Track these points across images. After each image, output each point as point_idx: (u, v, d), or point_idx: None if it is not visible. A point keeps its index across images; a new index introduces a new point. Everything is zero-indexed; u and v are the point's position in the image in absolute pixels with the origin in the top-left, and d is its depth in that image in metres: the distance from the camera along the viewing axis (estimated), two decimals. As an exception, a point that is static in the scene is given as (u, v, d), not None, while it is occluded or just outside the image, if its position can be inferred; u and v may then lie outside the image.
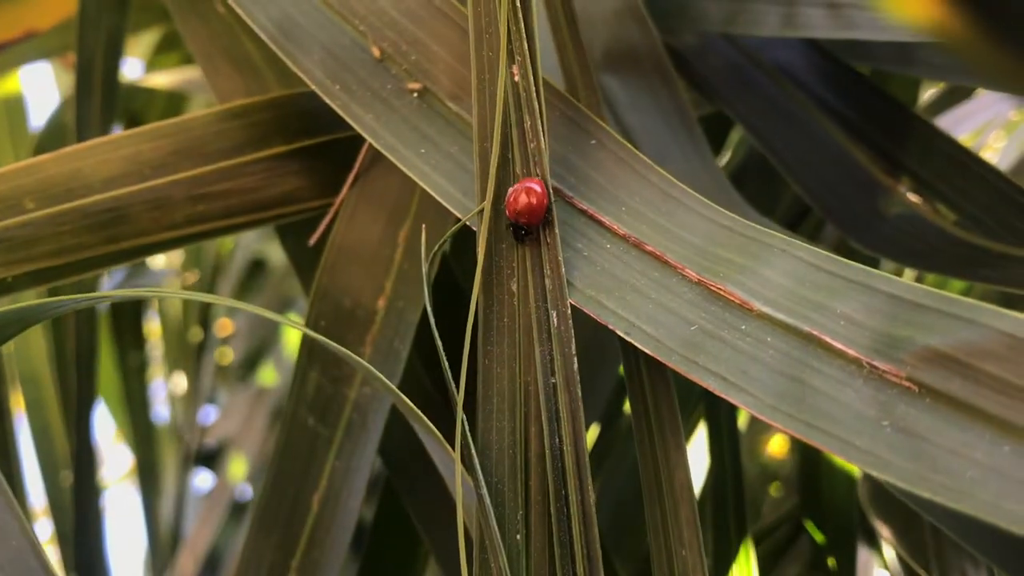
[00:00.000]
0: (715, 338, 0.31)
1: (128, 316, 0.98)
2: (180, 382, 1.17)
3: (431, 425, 0.34)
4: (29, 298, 0.62)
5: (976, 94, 0.79)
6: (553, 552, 0.33)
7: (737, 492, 0.60)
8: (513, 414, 0.34)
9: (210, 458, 1.23)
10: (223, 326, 1.25)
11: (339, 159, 0.47)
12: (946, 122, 0.76)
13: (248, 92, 0.52)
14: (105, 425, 1.14)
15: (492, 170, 0.35)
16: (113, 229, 0.44)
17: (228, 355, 1.30)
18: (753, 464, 0.92)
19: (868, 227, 0.51)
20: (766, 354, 0.30)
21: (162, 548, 1.07)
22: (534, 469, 0.34)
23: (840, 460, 0.61)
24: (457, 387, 0.33)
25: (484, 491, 0.33)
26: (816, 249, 0.32)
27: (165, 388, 1.20)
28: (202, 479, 1.28)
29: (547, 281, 0.35)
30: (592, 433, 0.69)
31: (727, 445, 0.61)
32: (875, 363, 0.28)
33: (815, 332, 0.30)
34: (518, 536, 0.33)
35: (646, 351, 0.32)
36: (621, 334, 0.33)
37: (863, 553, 0.69)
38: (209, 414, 1.29)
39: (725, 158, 0.71)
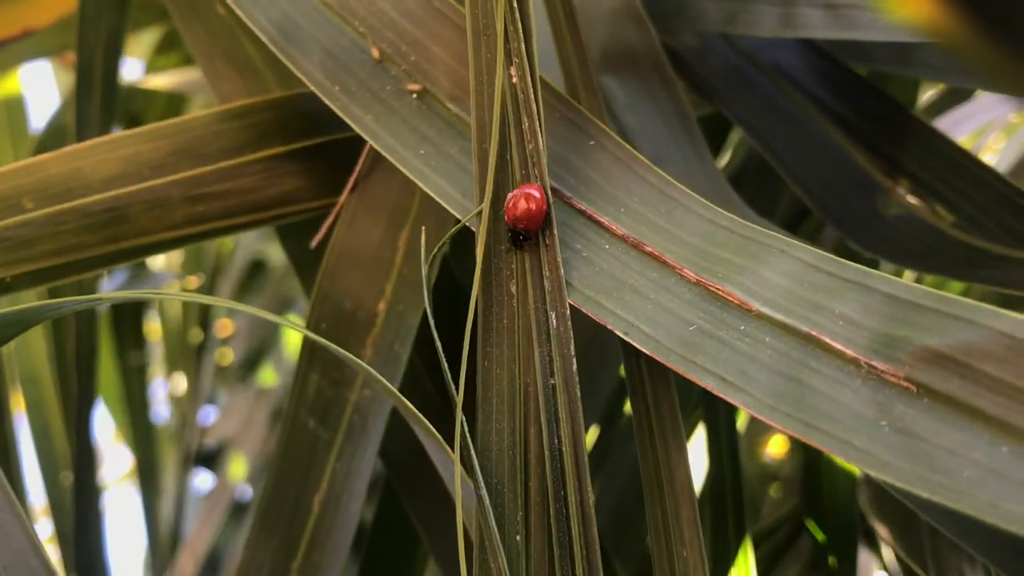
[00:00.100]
0: (714, 338, 0.31)
1: (128, 316, 0.98)
2: (180, 382, 1.17)
3: (431, 427, 0.34)
4: (29, 297, 0.62)
5: (976, 96, 0.79)
6: (552, 553, 0.33)
7: (736, 493, 0.60)
8: (513, 415, 0.34)
9: (210, 458, 1.23)
10: (223, 326, 1.25)
11: (338, 160, 0.47)
12: (945, 124, 0.76)
13: (249, 93, 0.52)
14: (105, 425, 1.14)
15: (490, 172, 0.35)
16: (112, 229, 0.44)
17: (228, 355, 1.30)
18: (752, 465, 0.92)
19: (867, 228, 0.51)
20: (764, 354, 0.30)
21: (162, 548, 1.07)
22: (534, 470, 0.34)
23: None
24: (457, 388, 0.33)
25: (484, 492, 0.33)
26: (815, 249, 0.32)
27: (165, 388, 1.20)
28: (202, 479, 1.28)
29: (546, 282, 0.35)
30: (592, 434, 0.69)
31: (726, 446, 0.61)
32: (873, 363, 0.29)
33: (813, 332, 0.30)
34: (518, 537, 0.33)
35: (644, 351, 0.32)
36: (620, 334, 0.33)
37: (863, 553, 0.69)
38: (209, 414, 1.29)
39: (724, 159, 0.71)
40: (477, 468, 0.33)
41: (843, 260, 0.31)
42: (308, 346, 0.46)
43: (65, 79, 0.97)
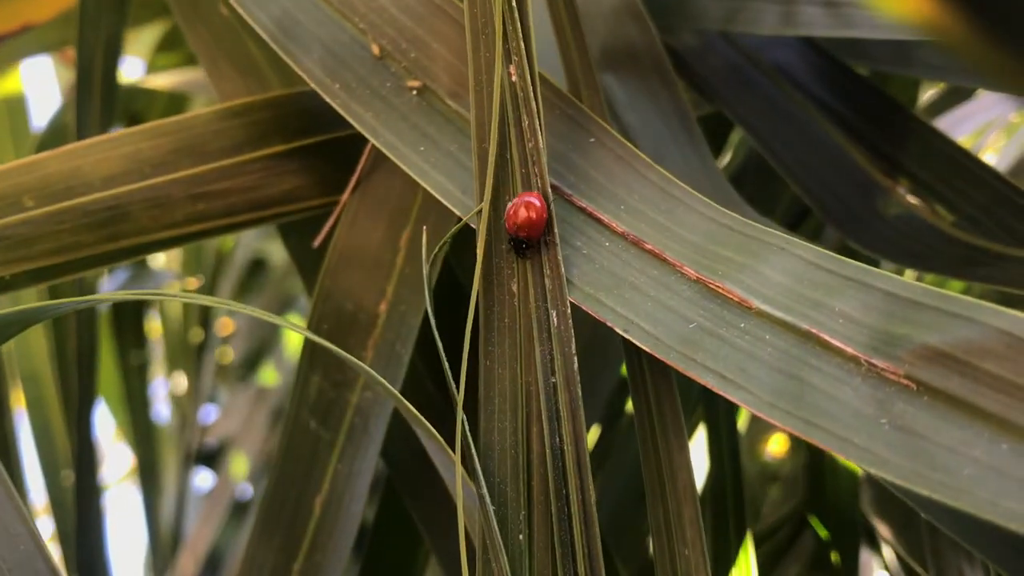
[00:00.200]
0: (714, 336, 0.31)
1: (129, 315, 0.98)
2: (181, 381, 1.17)
3: (432, 429, 0.34)
4: (29, 295, 0.62)
5: (976, 95, 0.79)
6: (555, 552, 0.33)
7: (737, 492, 0.60)
8: (515, 414, 0.34)
9: (211, 457, 1.23)
10: (224, 325, 1.25)
11: (339, 158, 0.47)
12: (946, 123, 0.76)
13: (251, 93, 0.52)
14: (106, 424, 1.14)
15: (490, 170, 0.35)
16: (113, 227, 0.44)
17: (229, 354, 1.30)
18: (753, 464, 0.92)
19: (867, 228, 0.51)
20: (764, 352, 0.30)
21: (163, 547, 1.07)
22: (536, 469, 0.34)
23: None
24: (458, 388, 0.33)
25: (485, 492, 0.33)
26: (814, 247, 0.32)
27: (166, 387, 1.20)
28: (203, 478, 1.28)
29: (547, 281, 0.35)
30: (593, 433, 0.69)
31: (727, 445, 0.61)
32: (873, 361, 0.29)
33: (813, 330, 0.30)
34: (521, 536, 0.33)
35: (644, 348, 0.32)
36: (620, 332, 0.33)
37: (864, 553, 0.69)
38: (210, 413, 1.29)
39: (725, 159, 0.71)
40: (478, 468, 0.33)
41: (843, 258, 0.31)
42: (309, 347, 0.46)
43: (66, 76, 0.97)
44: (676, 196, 0.36)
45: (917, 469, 0.26)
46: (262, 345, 1.30)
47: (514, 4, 0.36)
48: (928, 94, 0.79)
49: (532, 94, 0.36)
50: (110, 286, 1.03)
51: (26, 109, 0.89)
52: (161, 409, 1.20)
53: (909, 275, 0.61)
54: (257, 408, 1.20)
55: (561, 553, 0.33)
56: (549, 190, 0.35)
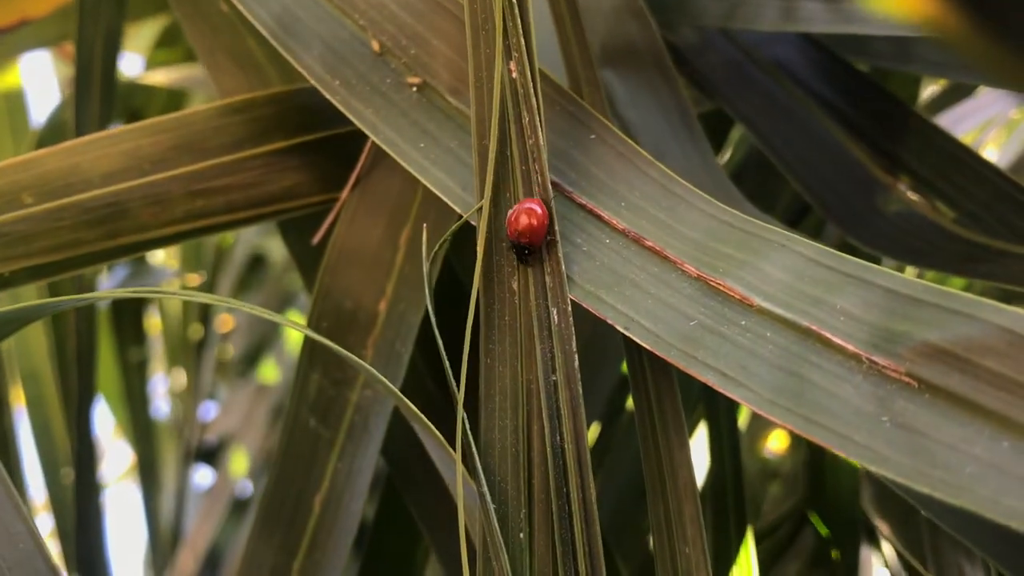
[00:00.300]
0: (714, 333, 0.31)
1: (128, 312, 0.98)
2: (180, 378, 1.17)
3: (432, 427, 0.34)
4: (28, 292, 0.62)
5: (977, 92, 0.79)
6: (556, 550, 0.33)
7: (737, 490, 0.60)
8: (515, 412, 0.34)
9: (210, 454, 1.23)
10: (224, 321, 1.25)
11: (340, 154, 0.47)
12: (947, 120, 0.76)
13: (251, 89, 0.52)
14: (105, 421, 1.14)
15: (490, 167, 0.35)
16: (112, 224, 0.44)
17: (228, 350, 1.30)
18: (753, 461, 0.92)
19: (867, 224, 0.51)
20: (765, 349, 0.30)
21: (162, 544, 1.07)
22: (537, 467, 0.34)
23: (840, 456, 0.61)
24: (458, 386, 0.33)
25: (485, 490, 0.33)
26: (815, 244, 0.32)
27: (165, 384, 1.20)
28: (202, 475, 1.28)
29: (548, 278, 0.35)
30: (592, 431, 0.69)
31: (727, 443, 0.61)
32: (874, 358, 0.28)
33: (814, 327, 0.30)
34: (521, 534, 0.33)
35: (645, 346, 0.32)
36: (620, 329, 0.33)
37: (864, 550, 0.69)
38: (209, 410, 1.29)
39: (726, 156, 0.71)
40: (479, 466, 0.33)
41: (843, 255, 0.31)
42: (309, 345, 0.46)
43: (64, 71, 0.97)
44: (677, 193, 0.36)
45: (918, 467, 0.26)
46: (262, 341, 1.30)
47: (514, 0, 0.36)
48: (929, 91, 0.79)
49: (532, 90, 0.35)
50: (109, 283, 1.03)
51: (25, 104, 0.88)
52: (161, 406, 1.20)
53: (910, 272, 0.61)
54: (257, 405, 1.20)
55: (562, 551, 0.33)
56: (550, 191, 0.35)
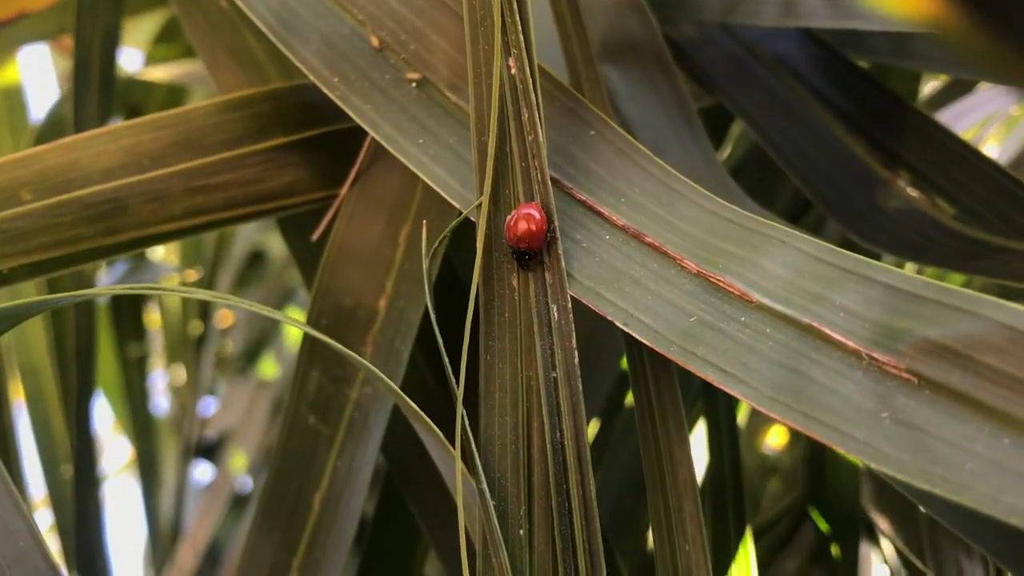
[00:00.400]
0: (714, 329, 0.31)
1: (128, 308, 0.98)
2: (180, 373, 1.17)
3: (432, 424, 0.34)
4: (27, 289, 0.62)
5: (977, 89, 0.79)
6: (555, 547, 0.33)
7: (736, 486, 0.60)
8: (515, 409, 0.34)
9: (210, 450, 1.23)
10: (223, 317, 1.25)
11: (339, 150, 0.47)
12: (947, 116, 0.76)
13: (250, 85, 0.52)
14: (105, 417, 1.14)
15: (489, 164, 0.35)
16: (111, 221, 0.44)
17: (228, 347, 1.30)
18: (753, 458, 0.92)
19: (867, 221, 0.51)
20: (765, 345, 0.30)
21: (162, 540, 1.07)
22: (537, 464, 0.34)
23: (840, 452, 0.61)
24: (457, 383, 0.33)
25: (485, 487, 0.33)
26: (815, 240, 0.32)
27: (165, 379, 1.20)
28: (202, 471, 1.28)
29: (547, 275, 0.35)
30: (592, 427, 0.69)
31: (726, 439, 0.61)
32: (874, 355, 0.28)
33: (814, 323, 0.30)
34: (521, 531, 0.33)
35: (645, 342, 0.32)
36: (619, 325, 0.33)
37: (863, 546, 0.69)
38: (209, 406, 1.29)
39: (726, 152, 0.71)
40: (478, 464, 0.33)
41: (844, 251, 0.31)
42: (308, 342, 0.46)
43: (63, 65, 0.97)
44: (677, 189, 0.35)
45: (918, 464, 0.26)
46: (262, 337, 1.30)
47: (513, -5, 0.35)
48: (929, 87, 0.79)
49: (532, 87, 0.35)
50: (109, 278, 1.03)
51: (24, 100, 0.88)
52: (160, 401, 1.20)
53: (910, 268, 0.61)
54: (257, 400, 1.20)
55: (561, 548, 0.33)
56: (550, 187, 0.35)
